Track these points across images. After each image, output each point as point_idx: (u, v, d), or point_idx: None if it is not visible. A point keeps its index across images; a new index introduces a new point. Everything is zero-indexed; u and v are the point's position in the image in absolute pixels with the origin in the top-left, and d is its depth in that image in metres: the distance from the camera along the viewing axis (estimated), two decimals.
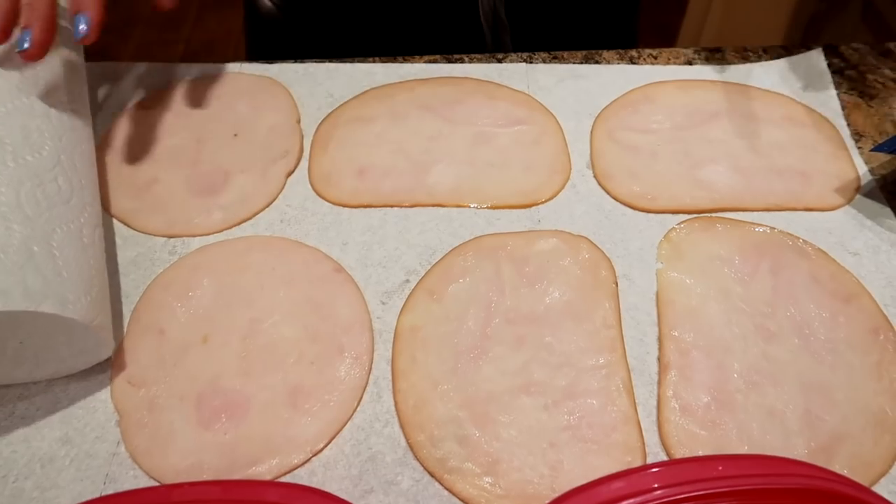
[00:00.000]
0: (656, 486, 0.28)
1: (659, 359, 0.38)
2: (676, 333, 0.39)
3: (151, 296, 0.41)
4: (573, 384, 0.37)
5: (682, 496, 0.26)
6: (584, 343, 0.38)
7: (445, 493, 0.34)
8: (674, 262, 0.42)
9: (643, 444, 0.35)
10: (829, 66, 0.53)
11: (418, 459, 0.35)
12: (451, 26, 0.60)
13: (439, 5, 0.59)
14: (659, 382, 0.37)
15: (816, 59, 0.53)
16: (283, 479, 0.34)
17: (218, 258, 0.43)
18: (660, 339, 0.39)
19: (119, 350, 0.38)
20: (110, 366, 0.38)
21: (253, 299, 0.41)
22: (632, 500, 0.26)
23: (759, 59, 0.55)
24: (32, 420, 0.36)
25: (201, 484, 0.30)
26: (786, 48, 0.55)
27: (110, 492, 0.33)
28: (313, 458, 0.35)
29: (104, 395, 0.37)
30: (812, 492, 0.27)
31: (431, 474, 0.34)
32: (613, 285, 0.41)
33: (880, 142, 0.48)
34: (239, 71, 0.54)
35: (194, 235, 0.44)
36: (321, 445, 0.35)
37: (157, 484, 0.34)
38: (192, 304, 0.40)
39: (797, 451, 0.34)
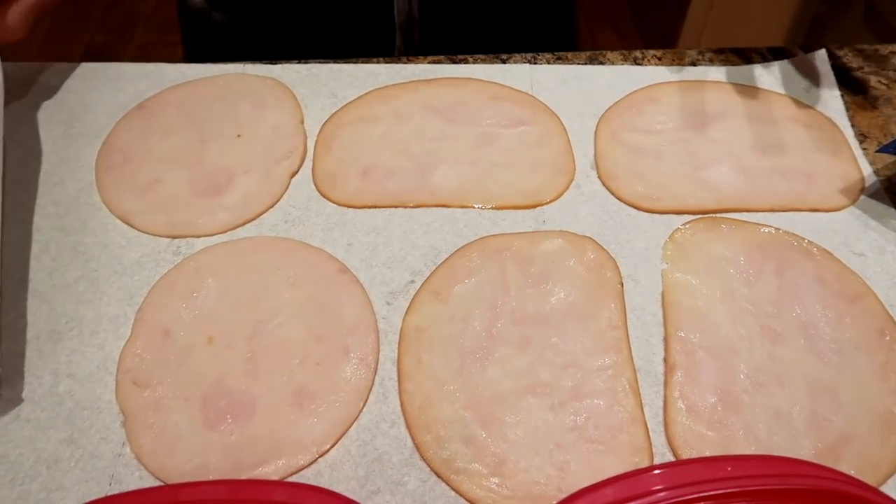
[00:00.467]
0: (664, 486, 0.28)
1: (665, 359, 0.38)
2: (682, 334, 0.39)
3: (156, 297, 0.41)
4: (579, 385, 0.37)
5: (691, 497, 0.26)
6: (590, 344, 0.38)
7: (452, 493, 0.33)
8: (679, 263, 0.42)
9: (650, 444, 0.35)
10: (833, 67, 0.53)
11: (425, 460, 0.35)
12: (362, 25, 0.60)
13: (353, 5, 0.59)
14: (665, 383, 0.37)
15: (820, 60, 0.53)
16: (290, 480, 0.34)
17: (222, 259, 0.43)
18: (665, 340, 0.39)
19: (124, 351, 0.38)
20: (116, 367, 0.38)
21: (258, 300, 0.41)
22: (640, 501, 0.26)
23: (763, 60, 0.55)
24: (38, 422, 0.36)
25: (208, 483, 0.29)
26: (789, 50, 0.56)
27: (116, 492, 0.33)
28: (319, 459, 0.35)
29: (109, 396, 0.37)
30: (820, 492, 0.27)
31: (438, 475, 0.34)
32: (619, 286, 0.41)
33: (885, 143, 0.48)
34: (242, 71, 0.54)
35: (198, 236, 0.44)
36: (327, 446, 0.35)
37: (160, 485, 0.34)
38: (197, 305, 0.40)
39: (804, 451, 0.34)
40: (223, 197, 0.46)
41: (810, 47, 0.55)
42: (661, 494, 0.26)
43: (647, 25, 1.89)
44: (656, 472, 0.28)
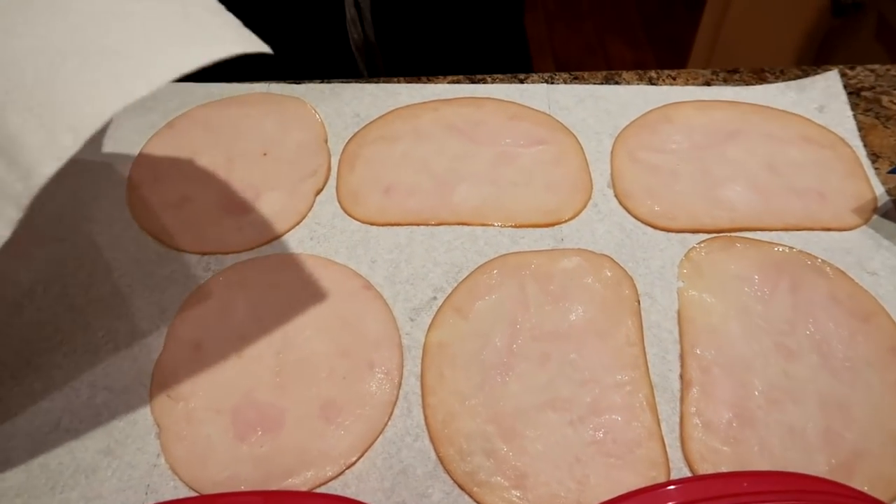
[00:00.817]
0: (681, 501, 0.29)
1: (681, 376, 0.39)
2: (698, 351, 0.40)
3: (188, 311, 0.42)
4: (598, 400, 0.38)
5: None
6: (608, 360, 0.39)
7: None
8: (694, 281, 0.43)
9: (667, 459, 0.36)
10: (846, 87, 0.54)
11: (448, 473, 0.36)
12: (323, 54, 0.61)
13: (309, 33, 0.60)
14: (681, 399, 0.38)
15: (833, 80, 0.54)
16: (318, 491, 0.35)
17: (251, 275, 0.44)
18: (681, 357, 0.40)
19: (158, 364, 0.40)
20: (150, 380, 0.39)
21: (285, 316, 0.42)
22: None
23: (776, 79, 0.56)
24: (77, 432, 0.37)
25: (242, 494, 0.31)
26: (803, 69, 0.57)
27: (152, 502, 0.35)
28: (346, 471, 0.36)
29: (144, 408, 0.38)
30: None
31: (461, 487, 0.35)
32: (636, 303, 0.42)
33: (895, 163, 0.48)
34: (267, 90, 0.56)
35: (227, 253, 0.45)
36: (354, 458, 0.36)
37: (196, 495, 0.35)
38: (227, 320, 0.42)
39: (818, 467, 0.35)
40: (250, 214, 0.47)
41: (823, 65, 0.56)
42: None
43: (657, 36, 1.90)
44: (672, 487, 0.29)
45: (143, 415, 0.38)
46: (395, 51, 0.63)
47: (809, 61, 0.94)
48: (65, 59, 0.28)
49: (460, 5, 0.64)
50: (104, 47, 0.29)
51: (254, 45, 0.31)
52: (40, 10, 0.30)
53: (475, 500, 0.35)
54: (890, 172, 0.47)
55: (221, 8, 0.33)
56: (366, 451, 0.37)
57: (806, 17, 0.94)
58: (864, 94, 0.54)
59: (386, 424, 0.38)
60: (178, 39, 0.30)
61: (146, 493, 0.35)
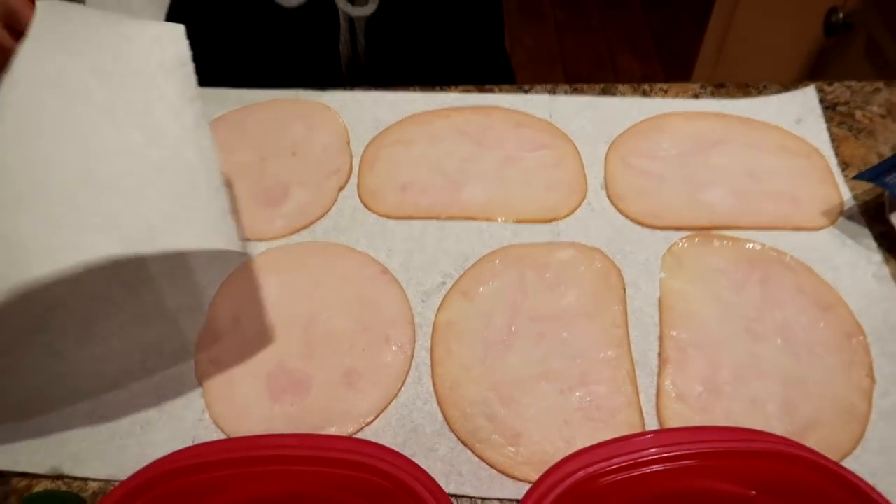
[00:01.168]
0: (654, 446, 0.34)
1: (659, 354, 0.44)
2: (675, 333, 0.45)
3: (226, 290, 0.48)
4: (585, 373, 0.43)
5: (675, 454, 0.33)
6: (595, 339, 0.45)
7: (476, 459, 0.40)
8: (675, 272, 0.48)
9: (643, 424, 0.41)
10: (823, 101, 0.59)
11: (453, 431, 0.41)
12: (312, 65, 0.66)
13: (301, 49, 0.66)
14: (658, 374, 0.43)
15: (810, 95, 0.59)
16: None
17: (281, 260, 0.50)
18: (660, 338, 0.45)
19: (202, 334, 0.45)
20: (194, 348, 0.45)
21: (312, 295, 0.48)
22: (632, 456, 0.32)
23: (759, 93, 0.61)
24: (132, 391, 0.43)
25: (282, 435, 0.36)
26: (784, 85, 0.62)
27: None
28: (365, 428, 0.41)
29: (190, 372, 0.44)
30: (779, 455, 0.33)
31: (464, 444, 0.41)
32: (622, 291, 0.47)
33: (863, 170, 0.54)
34: (295, 97, 0.61)
35: (260, 240, 0.51)
36: (371, 418, 0.42)
37: None
38: (261, 298, 0.47)
39: (776, 432, 0.40)
40: (281, 207, 0.53)
41: (818, 79, 0.62)
42: (650, 451, 0.33)
43: (665, 50, 1.95)
44: (649, 435, 0.34)
45: (190, 377, 0.44)
46: (380, 67, 0.68)
47: (805, 76, 0.99)
48: (77, 190, 0.35)
49: (444, 27, 0.70)
50: (109, 194, 0.36)
51: (230, 244, 0.38)
52: (64, 143, 0.36)
53: (476, 455, 0.40)
54: (855, 178, 0.52)
55: (221, 190, 0.41)
56: (382, 412, 0.42)
57: (802, 35, 1.00)
58: (839, 108, 0.60)
59: (399, 390, 0.43)
60: (167, 219, 0.37)
61: (192, 441, 0.41)
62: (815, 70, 0.99)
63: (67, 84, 0.39)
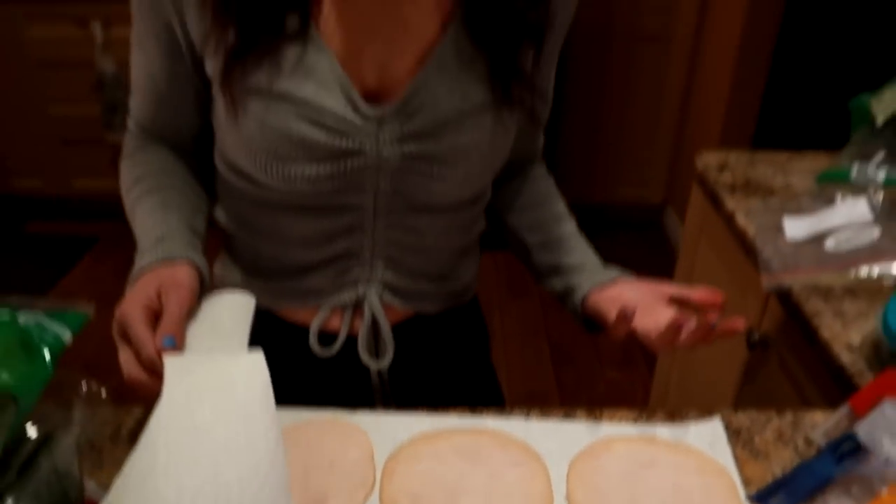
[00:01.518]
0: None
1: None
2: None
3: None
4: None
5: None
6: None
7: None
8: None
9: None
10: (729, 427, 0.79)
11: None
12: (346, 390, 0.91)
13: (339, 378, 0.91)
14: None
15: (717, 425, 0.79)
16: None
17: None
18: None
19: None
20: None
21: None
22: None
23: (682, 419, 0.81)
24: None
25: None
26: (702, 415, 0.82)
27: None
28: None
29: None
30: None
31: None
32: None
33: (761, 488, 0.71)
34: (332, 418, 0.81)
35: None
36: None
37: None
38: None
39: None
40: None
41: (745, 388, 0.82)
42: None
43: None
44: None
45: None
46: (404, 394, 0.95)
47: (736, 387, 1.21)
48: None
49: (444, 357, 0.97)
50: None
51: None
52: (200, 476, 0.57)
53: None
54: (753, 497, 0.69)
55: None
56: None
57: (732, 349, 1.24)
58: (741, 434, 0.79)
59: None
60: None
61: None
62: (744, 381, 1.22)
63: (200, 427, 0.59)
